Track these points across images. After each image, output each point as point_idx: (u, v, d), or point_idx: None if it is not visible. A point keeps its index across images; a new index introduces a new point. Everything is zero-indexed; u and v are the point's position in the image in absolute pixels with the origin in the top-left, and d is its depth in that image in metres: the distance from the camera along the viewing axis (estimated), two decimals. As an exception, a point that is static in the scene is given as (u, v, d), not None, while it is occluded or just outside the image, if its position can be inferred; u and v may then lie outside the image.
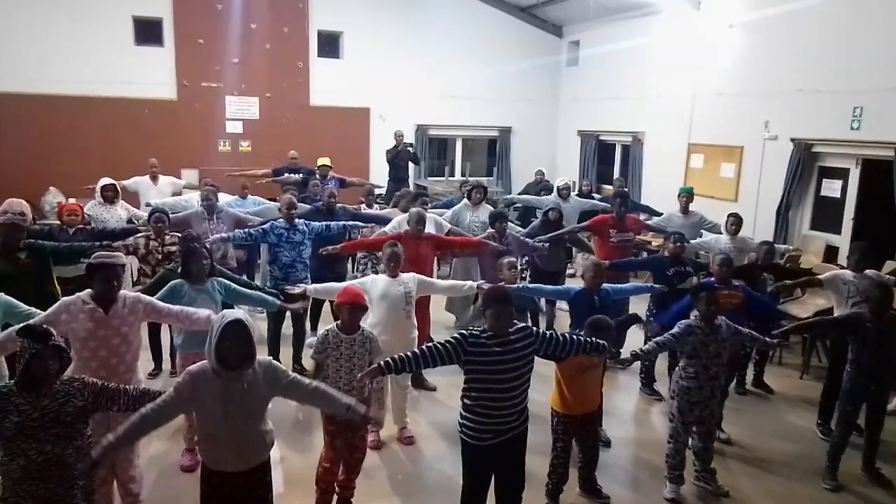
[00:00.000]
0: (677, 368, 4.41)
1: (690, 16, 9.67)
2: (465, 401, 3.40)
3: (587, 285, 5.01)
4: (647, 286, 5.83)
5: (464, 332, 3.37)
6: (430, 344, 3.39)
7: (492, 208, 7.42)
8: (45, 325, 2.90)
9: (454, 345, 3.30)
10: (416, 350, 3.46)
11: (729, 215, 6.59)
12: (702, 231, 7.25)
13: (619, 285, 5.44)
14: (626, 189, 9.45)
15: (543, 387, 4.22)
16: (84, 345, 3.48)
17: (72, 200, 6.34)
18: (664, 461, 4.38)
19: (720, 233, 6.79)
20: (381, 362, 3.38)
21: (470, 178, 10.29)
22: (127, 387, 3.06)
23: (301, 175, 9.13)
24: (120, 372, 3.55)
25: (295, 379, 3.08)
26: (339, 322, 3.94)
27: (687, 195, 7.37)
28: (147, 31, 10.84)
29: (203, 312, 3.86)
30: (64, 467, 2.84)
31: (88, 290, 3.59)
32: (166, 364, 5.87)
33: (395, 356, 3.39)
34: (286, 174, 9.22)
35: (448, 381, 5.99)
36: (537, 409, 3.98)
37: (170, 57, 10.94)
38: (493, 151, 13.42)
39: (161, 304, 3.87)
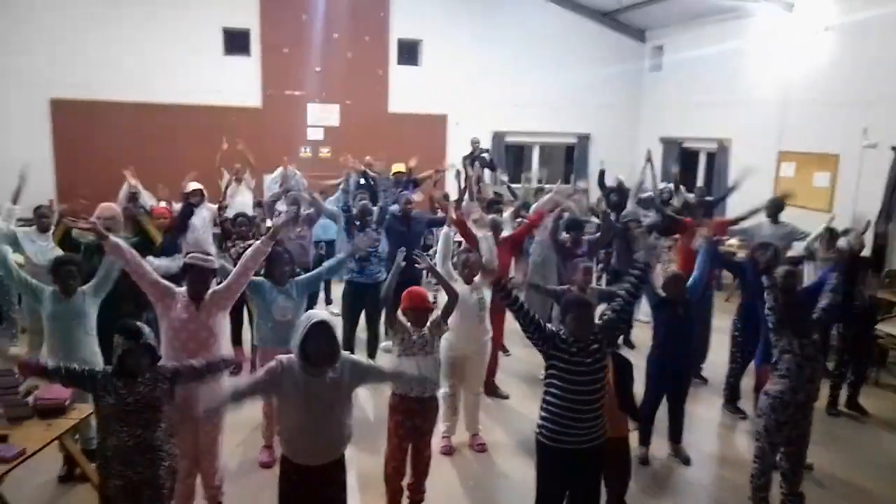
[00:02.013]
0: (767, 384, 4.17)
1: (783, 19, 9.27)
2: (546, 399, 3.36)
3: (669, 297, 4.80)
4: (716, 253, 5.41)
5: (555, 329, 3.36)
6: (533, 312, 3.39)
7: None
8: (137, 324, 3.06)
9: (552, 331, 3.33)
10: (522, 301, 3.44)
11: (825, 229, 6.30)
12: (793, 243, 6.92)
13: (694, 276, 4.98)
14: (710, 198, 9.11)
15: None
16: (176, 335, 3.64)
17: (162, 204, 6.64)
18: (749, 482, 4.17)
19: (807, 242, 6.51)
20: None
21: (546, 185, 10.19)
22: (192, 362, 3.25)
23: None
24: (209, 361, 3.70)
25: (372, 365, 3.16)
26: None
27: (776, 206, 7.03)
28: (235, 42, 11.29)
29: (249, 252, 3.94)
30: (151, 450, 3.00)
31: (185, 286, 3.77)
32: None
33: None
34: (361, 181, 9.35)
35: (521, 392, 5.95)
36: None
37: (256, 66, 11.36)
38: (570, 158, 13.26)
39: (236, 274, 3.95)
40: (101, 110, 10.60)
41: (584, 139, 12.93)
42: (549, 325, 3.41)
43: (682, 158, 11.91)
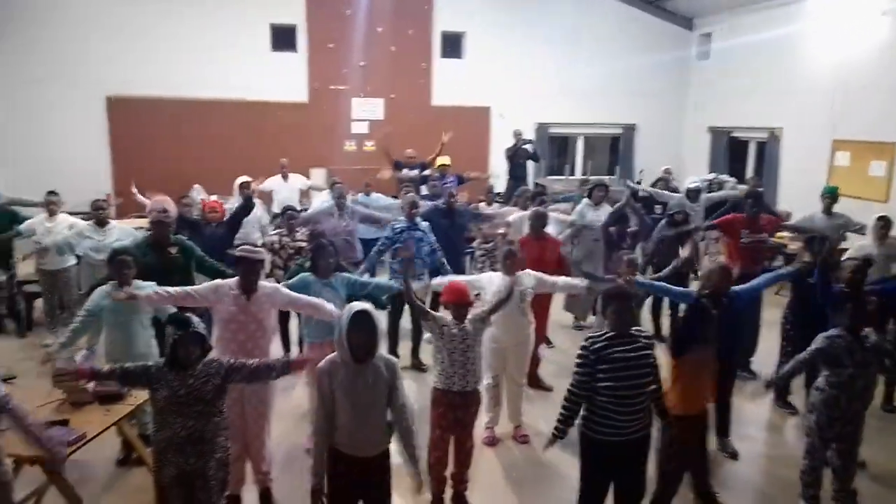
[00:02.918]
0: (819, 378, 4.07)
1: (837, 3, 8.97)
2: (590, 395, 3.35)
3: (711, 289, 4.66)
4: (781, 273, 5.42)
5: (585, 343, 3.34)
6: (572, 382, 3.39)
7: (612, 208, 7.25)
8: (187, 314, 3.16)
9: (586, 360, 3.29)
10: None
11: (878, 218, 6.03)
12: (847, 234, 6.70)
13: (750, 284, 4.88)
14: (762, 188, 8.88)
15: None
16: (225, 327, 3.76)
17: (214, 198, 6.81)
18: (799, 478, 4.09)
19: (863, 234, 6.26)
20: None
21: (591, 177, 10.09)
22: (247, 361, 3.27)
23: (418, 171, 9.31)
24: (255, 355, 3.79)
25: (401, 390, 3.17)
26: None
27: (830, 196, 6.79)
28: (282, 38, 11.48)
29: (329, 305, 4.05)
30: (203, 442, 3.09)
31: (236, 278, 3.88)
32: (294, 354, 6.19)
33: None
34: (404, 170, 9.42)
35: (565, 384, 5.89)
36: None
37: (302, 62, 11.53)
38: (615, 149, 13.10)
39: (296, 294, 4.10)
40: (154, 107, 10.91)
41: (630, 129, 12.76)
42: (578, 358, 3.36)
43: (731, 149, 11.65)
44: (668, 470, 3.91)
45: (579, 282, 5.10)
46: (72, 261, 6.64)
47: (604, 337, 3.30)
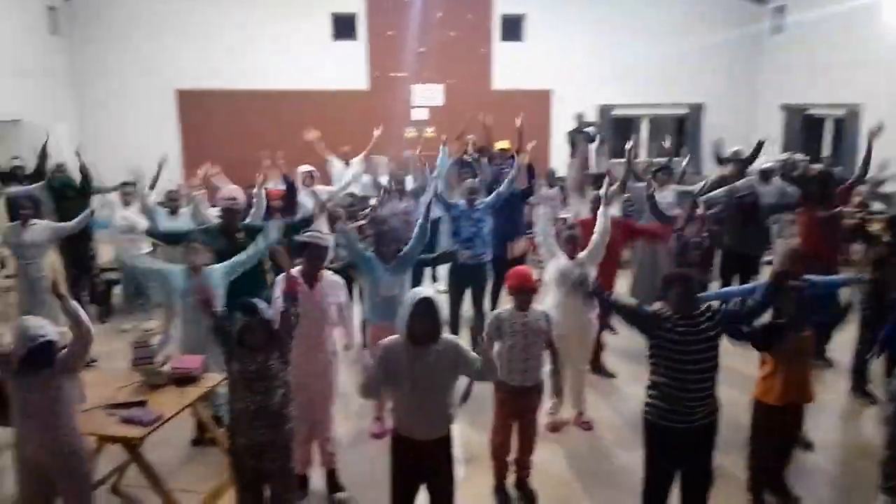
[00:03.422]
0: None
1: (923, -33, 8.41)
2: (652, 379, 3.29)
3: (783, 273, 4.47)
4: (852, 277, 5.19)
5: (656, 309, 3.28)
6: (626, 301, 3.39)
7: (678, 188, 7.07)
8: (255, 301, 3.25)
9: (651, 313, 3.26)
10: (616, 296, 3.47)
11: None
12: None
13: (827, 279, 4.67)
14: (834, 168, 8.45)
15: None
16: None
17: (275, 186, 6.95)
18: (878, 469, 3.91)
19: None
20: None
21: (655, 159, 9.84)
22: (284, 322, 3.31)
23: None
24: (319, 342, 3.88)
25: (472, 358, 3.18)
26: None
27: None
28: (343, 27, 11.60)
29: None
30: (270, 415, 3.20)
31: (300, 266, 3.95)
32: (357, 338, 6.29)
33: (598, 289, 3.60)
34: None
35: (629, 370, 5.83)
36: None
37: (363, 50, 11.64)
38: (681, 130, 12.71)
39: (345, 300, 4.20)
40: (220, 99, 11.25)
41: (697, 109, 12.35)
42: (647, 308, 3.32)
43: (807, 127, 11.13)
44: (756, 459, 3.86)
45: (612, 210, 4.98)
46: (147, 248, 6.93)
47: (668, 317, 3.22)
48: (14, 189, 7.40)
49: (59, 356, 3.03)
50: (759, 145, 7.68)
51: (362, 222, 6.05)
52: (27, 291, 5.90)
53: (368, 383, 3.17)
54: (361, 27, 11.60)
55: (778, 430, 3.85)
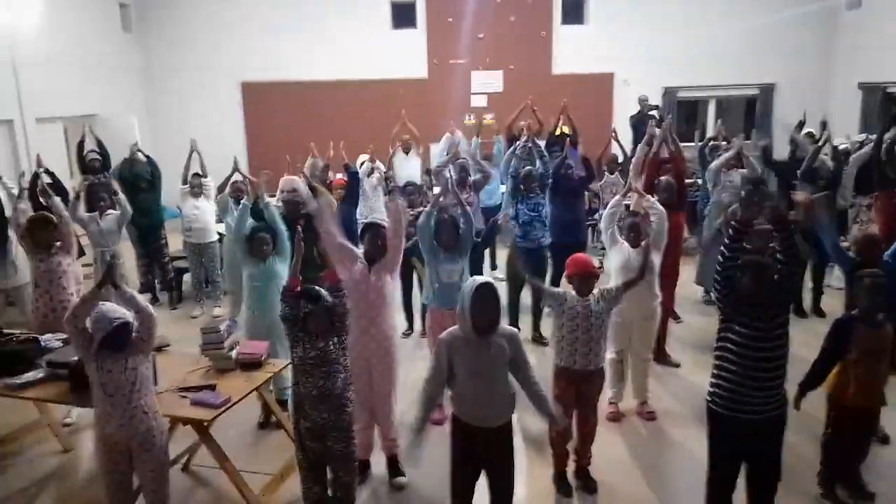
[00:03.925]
0: None
1: None
2: (718, 365, 3.20)
3: (861, 259, 4.29)
4: None
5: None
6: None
7: (745, 172, 6.83)
8: (318, 288, 3.32)
9: (733, 293, 3.13)
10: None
11: None
12: None
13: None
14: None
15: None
16: (349, 295, 3.90)
17: (339, 176, 7.07)
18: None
19: None
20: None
21: (723, 143, 9.50)
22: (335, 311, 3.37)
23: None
24: (377, 322, 3.94)
25: (528, 365, 3.20)
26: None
27: None
28: (403, 15, 11.64)
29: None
30: (332, 398, 3.28)
31: (363, 248, 4.04)
32: (417, 325, 6.35)
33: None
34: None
35: (693, 360, 5.70)
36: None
37: (422, 38, 11.64)
38: (751, 112, 12.24)
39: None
40: (282, 90, 11.50)
41: (768, 90, 11.86)
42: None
43: (887, 107, 10.54)
44: (829, 453, 3.76)
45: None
46: (215, 236, 7.16)
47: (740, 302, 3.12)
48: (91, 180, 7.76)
49: (132, 339, 3.16)
50: (823, 125, 7.34)
51: (421, 209, 6.08)
52: (104, 278, 6.18)
53: (433, 379, 3.19)
54: (421, 15, 11.61)
55: (852, 425, 3.70)
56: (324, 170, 6.94)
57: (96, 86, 10.32)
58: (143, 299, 3.25)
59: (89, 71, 10.11)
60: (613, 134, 7.95)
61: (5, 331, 4.35)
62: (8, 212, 5.59)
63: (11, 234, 5.52)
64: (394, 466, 4.14)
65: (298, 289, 3.36)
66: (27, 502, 4.06)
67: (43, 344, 4.12)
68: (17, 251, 5.47)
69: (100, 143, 7.69)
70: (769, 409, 3.11)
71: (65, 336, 4.22)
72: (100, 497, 3.39)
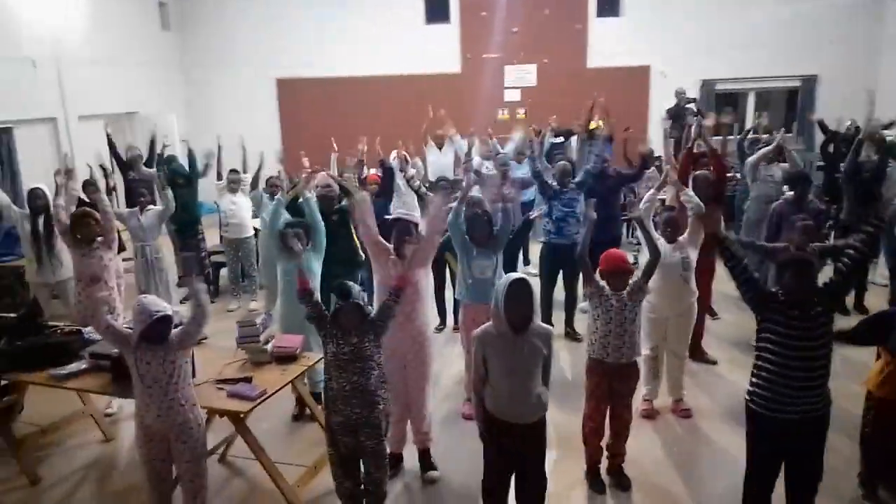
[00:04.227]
0: None
1: None
2: (758, 364, 3.13)
3: None
4: None
5: (773, 289, 3.14)
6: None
7: (787, 167, 6.66)
8: (349, 284, 3.34)
9: (769, 291, 3.11)
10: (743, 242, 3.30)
11: None
12: None
13: None
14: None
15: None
16: (384, 290, 3.93)
17: (373, 172, 7.10)
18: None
19: None
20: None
21: (763, 136, 9.30)
22: (378, 310, 3.43)
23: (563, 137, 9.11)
24: (412, 318, 3.95)
25: (549, 368, 3.21)
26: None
27: None
28: (436, 10, 11.64)
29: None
30: (365, 394, 3.29)
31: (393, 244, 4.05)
32: (449, 320, 6.37)
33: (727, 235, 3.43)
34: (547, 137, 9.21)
35: (731, 358, 5.61)
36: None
37: (455, 32, 11.63)
38: (792, 104, 11.95)
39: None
40: (316, 86, 11.60)
41: (810, 81, 11.55)
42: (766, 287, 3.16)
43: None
44: (870, 452, 3.66)
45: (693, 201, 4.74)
46: (252, 231, 7.26)
47: (782, 301, 3.05)
48: (132, 176, 7.95)
49: (175, 332, 3.23)
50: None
51: (453, 205, 6.07)
52: (143, 271, 6.32)
53: (477, 378, 3.19)
54: (454, 9, 11.59)
55: (893, 423, 3.59)
56: (357, 165, 6.99)
57: (136, 83, 10.54)
58: (206, 300, 3.32)
59: (130, 69, 10.33)
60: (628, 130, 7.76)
61: (50, 323, 4.48)
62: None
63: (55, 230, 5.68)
64: (426, 461, 4.15)
65: (307, 289, 3.41)
66: (71, 489, 4.18)
67: (86, 336, 4.22)
68: (61, 247, 5.62)
69: (152, 143, 7.91)
70: (811, 409, 3.04)
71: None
72: (140, 485, 3.48)
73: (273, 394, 3.63)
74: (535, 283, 6.18)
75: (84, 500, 4.07)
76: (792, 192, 5.76)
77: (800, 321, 2.98)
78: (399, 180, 7.11)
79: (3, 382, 4.44)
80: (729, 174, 6.94)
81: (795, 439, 3.10)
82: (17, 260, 6.46)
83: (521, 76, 11.71)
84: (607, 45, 11.47)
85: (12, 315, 4.51)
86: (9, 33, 7.86)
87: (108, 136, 8.10)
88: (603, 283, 3.84)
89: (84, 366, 3.92)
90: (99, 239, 4.99)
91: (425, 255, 4.05)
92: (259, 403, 3.52)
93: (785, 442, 3.12)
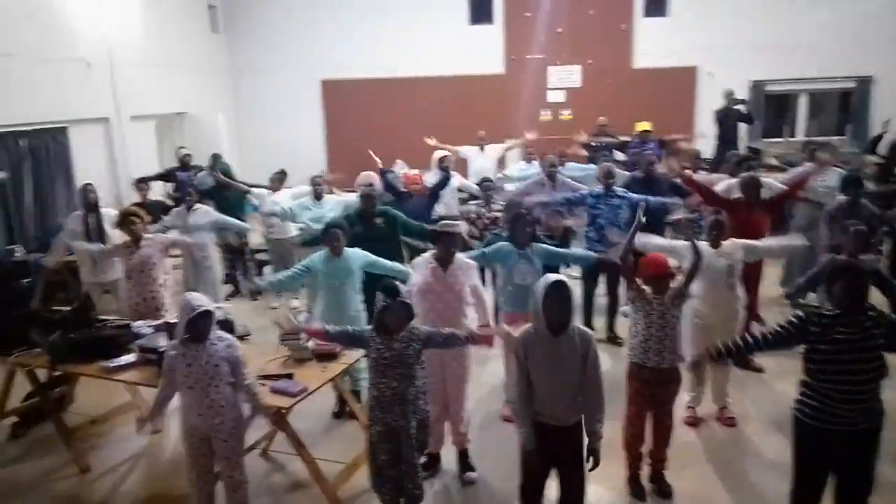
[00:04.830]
0: None
1: None
2: (807, 374, 3.04)
3: None
4: None
5: (806, 312, 3.01)
6: (769, 330, 3.12)
7: (842, 171, 6.45)
8: (396, 283, 3.36)
9: (796, 327, 2.99)
10: (753, 335, 3.20)
11: None
12: None
13: None
14: None
15: None
16: (423, 297, 3.96)
17: (414, 171, 7.12)
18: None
19: None
20: (708, 348, 3.32)
21: (816, 138, 9.05)
22: (441, 329, 3.46)
23: (614, 139, 8.99)
24: (453, 323, 3.94)
25: (597, 364, 3.15)
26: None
27: None
28: (480, 11, 11.63)
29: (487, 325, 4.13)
30: (405, 403, 3.28)
31: (433, 251, 4.08)
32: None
33: (729, 342, 3.23)
34: (593, 143, 9.12)
35: (778, 365, 5.45)
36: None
37: (499, 33, 11.60)
38: (845, 107, 11.59)
39: (479, 286, 4.22)
40: (361, 88, 11.70)
41: (865, 83, 11.19)
42: (793, 318, 3.03)
43: None
44: None
45: (797, 239, 4.62)
46: (294, 230, 7.36)
47: (830, 315, 2.95)
48: (182, 176, 8.17)
49: (240, 371, 3.34)
50: None
51: (498, 212, 6.08)
52: (191, 269, 6.47)
53: (519, 377, 3.16)
54: (498, 10, 11.56)
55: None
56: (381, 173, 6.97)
57: (186, 85, 10.79)
58: (260, 398, 3.43)
59: (179, 70, 10.58)
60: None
61: (101, 317, 4.62)
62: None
63: (109, 231, 5.90)
64: (464, 461, 4.15)
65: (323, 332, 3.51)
66: (117, 479, 4.30)
67: (135, 330, 4.34)
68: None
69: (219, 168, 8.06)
70: (862, 420, 2.93)
71: (155, 322, 4.46)
72: (183, 477, 3.56)
73: (314, 391, 3.68)
74: (577, 286, 6.15)
75: (131, 490, 4.19)
76: (845, 197, 5.59)
77: (849, 334, 2.88)
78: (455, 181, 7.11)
79: (57, 373, 4.60)
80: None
81: (845, 451, 3.00)
82: (71, 256, 6.67)
83: (564, 77, 11.62)
84: (653, 45, 11.31)
85: (66, 309, 4.66)
86: (66, 35, 8.12)
87: (182, 157, 8.36)
88: (644, 286, 3.79)
89: (133, 359, 4.04)
90: (147, 237, 5.13)
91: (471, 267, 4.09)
92: (300, 400, 3.56)
93: (833, 453, 3.02)
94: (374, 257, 4.66)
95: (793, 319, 3.02)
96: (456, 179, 7.37)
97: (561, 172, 7.08)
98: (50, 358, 4.13)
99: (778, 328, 3.07)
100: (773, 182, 6.40)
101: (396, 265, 4.67)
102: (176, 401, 3.46)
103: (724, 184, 6.25)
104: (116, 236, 5.91)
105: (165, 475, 4.33)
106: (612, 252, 5.08)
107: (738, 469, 4.18)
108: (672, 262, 3.94)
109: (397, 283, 3.37)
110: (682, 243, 4.54)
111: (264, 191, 7.39)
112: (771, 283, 6.39)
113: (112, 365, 3.98)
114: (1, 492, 4.17)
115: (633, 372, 3.82)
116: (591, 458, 3.18)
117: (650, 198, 5.87)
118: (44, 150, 7.65)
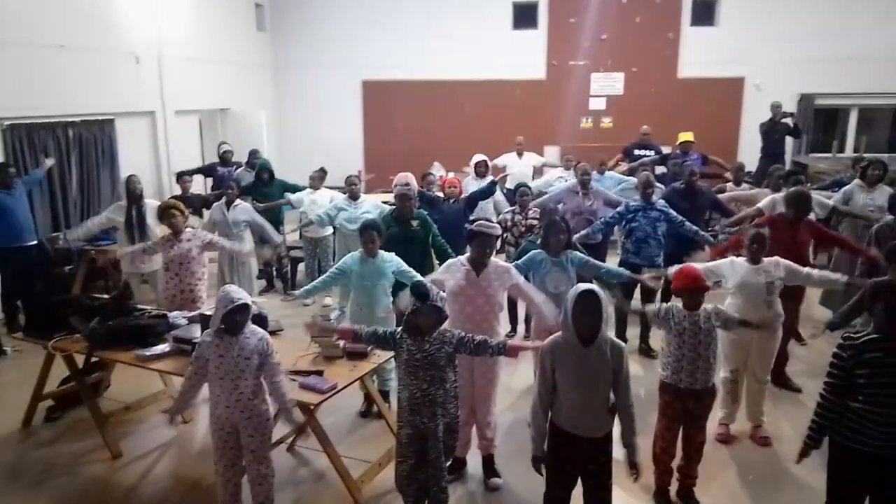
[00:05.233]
0: None
1: None
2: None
3: None
4: None
5: (842, 342, 2.95)
6: (823, 390, 3.05)
7: (892, 190, 6.24)
8: (427, 285, 3.35)
9: (842, 363, 2.93)
10: (816, 419, 3.10)
11: None
12: None
13: None
14: None
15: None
16: (455, 299, 3.92)
17: (451, 175, 7.12)
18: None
19: None
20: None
21: (866, 154, 8.78)
22: (473, 335, 3.38)
23: (654, 153, 8.87)
24: (483, 327, 3.91)
25: (627, 384, 3.10)
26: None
27: None
28: (524, 16, 11.60)
29: (549, 308, 4.07)
30: (434, 405, 3.27)
31: (467, 255, 4.04)
32: (520, 327, 6.30)
33: (805, 439, 3.14)
34: (636, 151, 9.02)
35: (817, 386, 5.25)
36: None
37: (542, 39, 11.55)
38: (898, 123, 11.25)
39: (525, 285, 4.14)
40: (401, 89, 11.77)
41: (919, 99, 10.84)
42: (833, 358, 2.98)
43: None
44: None
45: (838, 276, 4.50)
46: (330, 230, 7.42)
47: (865, 338, 2.86)
48: (221, 171, 8.31)
49: (269, 362, 3.35)
50: None
51: (534, 220, 6.04)
52: (228, 264, 6.57)
53: (543, 388, 3.13)
54: (542, 15, 11.51)
55: None
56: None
57: (230, 81, 10.97)
58: (287, 398, 3.43)
59: (224, 67, 10.76)
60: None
61: (138, 306, 4.71)
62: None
63: (150, 223, 6.04)
64: (489, 467, 4.12)
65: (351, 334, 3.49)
66: (148, 466, 4.38)
67: (171, 320, 4.42)
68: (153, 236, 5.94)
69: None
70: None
71: (191, 314, 4.53)
72: (211, 468, 3.60)
73: (343, 388, 3.69)
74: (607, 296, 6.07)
75: (161, 478, 4.26)
76: (893, 217, 5.41)
77: (889, 358, 2.79)
78: (474, 184, 7.08)
79: (94, 359, 4.70)
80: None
81: (881, 475, 2.92)
82: (112, 245, 6.83)
83: (607, 84, 11.50)
84: (700, 54, 11.14)
85: (105, 296, 4.76)
86: (117, 30, 8.32)
87: (223, 153, 8.54)
88: (665, 305, 3.73)
89: (167, 348, 4.11)
90: (188, 230, 5.21)
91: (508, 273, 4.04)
92: (329, 397, 3.58)
93: (869, 477, 2.94)
94: (406, 267, 4.64)
95: (834, 359, 2.98)
96: (499, 194, 7.30)
97: (596, 180, 7.01)
98: (88, 344, 4.23)
99: (828, 374, 3.02)
100: (822, 199, 6.24)
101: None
102: (205, 391, 3.50)
103: (767, 199, 6.10)
104: (157, 227, 6.06)
105: (194, 465, 4.38)
106: (645, 276, 5.03)
107: (771, 489, 4.06)
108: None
109: (429, 284, 3.36)
110: (724, 262, 4.47)
111: (303, 193, 7.46)
112: (813, 302, 6.22)
113: (147, 353, 4.05)
114: (34, 473, 4.27)
115: (664, 388, 3.75)
116: (633, 469, 3.14)
117: (687, 223, 5.78)
118: (91, 140, 7.84)
